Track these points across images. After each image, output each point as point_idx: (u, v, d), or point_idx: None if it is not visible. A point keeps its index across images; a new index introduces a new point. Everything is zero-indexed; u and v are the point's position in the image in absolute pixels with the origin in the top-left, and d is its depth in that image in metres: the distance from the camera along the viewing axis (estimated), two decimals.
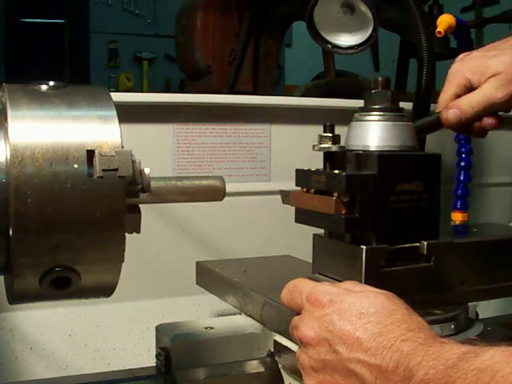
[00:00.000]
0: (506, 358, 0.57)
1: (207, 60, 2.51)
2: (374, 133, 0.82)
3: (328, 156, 0.81)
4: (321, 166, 0.82)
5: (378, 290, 0.73)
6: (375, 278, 0.78)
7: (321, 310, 0.72)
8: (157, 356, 1.04)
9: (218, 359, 1.02)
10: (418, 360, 0.62)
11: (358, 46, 1.14)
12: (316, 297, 0.73)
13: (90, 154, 0.66)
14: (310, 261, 0.88)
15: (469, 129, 0.98)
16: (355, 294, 0.72)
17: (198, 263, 1.26)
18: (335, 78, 2.39)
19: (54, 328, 1.39)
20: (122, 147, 0.68)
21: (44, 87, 0.70)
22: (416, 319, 0.68)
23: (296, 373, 0.92)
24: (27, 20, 5.48)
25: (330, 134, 0.81)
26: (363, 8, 1.10)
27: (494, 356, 0.57)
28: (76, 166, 0.65)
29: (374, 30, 1.10)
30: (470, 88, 0.96)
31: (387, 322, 0.67)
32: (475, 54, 0.98)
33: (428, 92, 1.22)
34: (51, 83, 0.70)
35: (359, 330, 0.68)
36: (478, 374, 0.57)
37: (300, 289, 0.77)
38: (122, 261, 0.70)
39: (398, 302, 0.70)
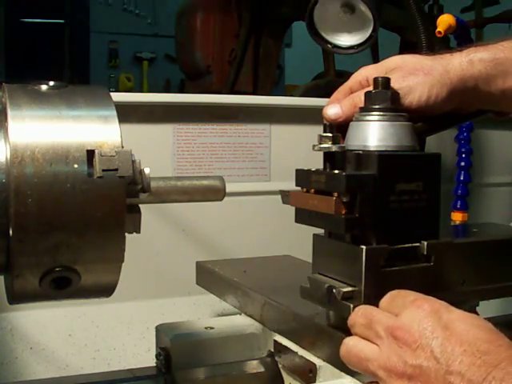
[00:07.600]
0: None
1: (207, 60, 2.51)
2: (373, 133, 0.82)
3: (328, 156, 0.81)
4: (321, 166, 0.82)
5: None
6: (375, 278, 0.78)
7: (427, 315, 0.68)
8: (157, 356, 1.04)
9: (217, 359, 1.01)
10: None
11: (358, 45, 1.14)
12: (422, 302, 0.70)
13: (90, 153, 0.66)
14: (310, 261, 0.88)
15: None
16: (463, 312, 0.69)
17: (197, 263, 1.26)
18: (335, 77, 2.39)
19: (54, 328, 1.39)
20: (122, 147, 0.68)
21: (44, 87, 0.70)
22: None
23: (296, 373, 0.92)
24: (27, 20, 5.48)
25: (329, 134, 0.80)
26: (363, 8, 1.10)
27: None
28: (76, 166, 0.65)
29: (374, 30, 1.10)
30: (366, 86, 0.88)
31: (497, 343, 0.64)
32: None
33: None
34: (51, 83, 0.70)
35: (465, 344, 0.64)
36: None
37: (401, 294, 0.74)
38: (122, 261, 0.70)
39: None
